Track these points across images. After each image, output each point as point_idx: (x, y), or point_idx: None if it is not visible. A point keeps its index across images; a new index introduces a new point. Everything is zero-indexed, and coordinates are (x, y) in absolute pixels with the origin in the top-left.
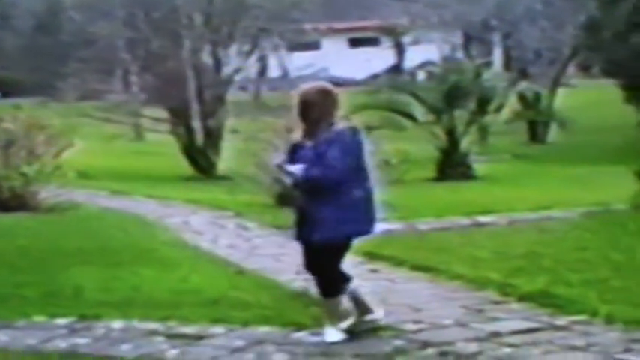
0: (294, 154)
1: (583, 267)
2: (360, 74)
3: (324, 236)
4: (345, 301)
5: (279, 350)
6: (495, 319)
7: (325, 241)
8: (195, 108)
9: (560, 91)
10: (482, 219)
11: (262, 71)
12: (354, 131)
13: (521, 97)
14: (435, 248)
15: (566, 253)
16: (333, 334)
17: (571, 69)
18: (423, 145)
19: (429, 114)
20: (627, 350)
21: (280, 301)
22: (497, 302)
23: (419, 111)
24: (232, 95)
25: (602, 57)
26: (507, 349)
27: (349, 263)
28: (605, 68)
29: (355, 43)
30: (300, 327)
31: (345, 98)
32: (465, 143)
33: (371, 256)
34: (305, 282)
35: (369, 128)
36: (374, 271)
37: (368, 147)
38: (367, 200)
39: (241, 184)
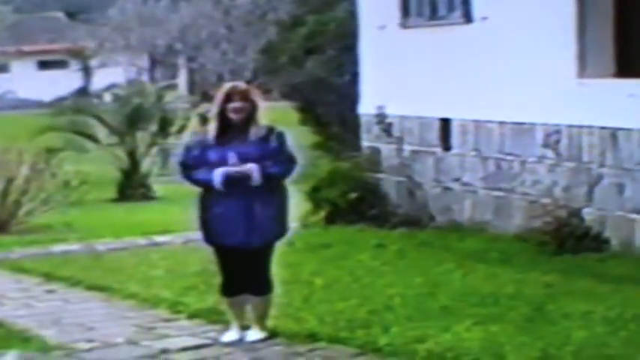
0: (207, 151)
1: None
2: (48, 96)
3: (267, 237)
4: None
5: None
6: (165, 336)
7: (269, 242)
8: None
9: None
10: (159, 238)
11: None
12: None
13: (204, 119)
14: (111, 268)
15: None
16: (254, 333)
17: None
18: (105, 167)
19: (112, 136)
20: None
21: None
22: (168, 320)
23: (102, 133)
24: None
25: (280, 80)
26: None
27: (27, 285)
28: (282, 91)
29: (44, 65)
30: None
31: (30, 120)
32: (145, 164)
33: (48, 277)
34: None
35: (51, 150)
36: (50, 291)
37: None
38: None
39: None
